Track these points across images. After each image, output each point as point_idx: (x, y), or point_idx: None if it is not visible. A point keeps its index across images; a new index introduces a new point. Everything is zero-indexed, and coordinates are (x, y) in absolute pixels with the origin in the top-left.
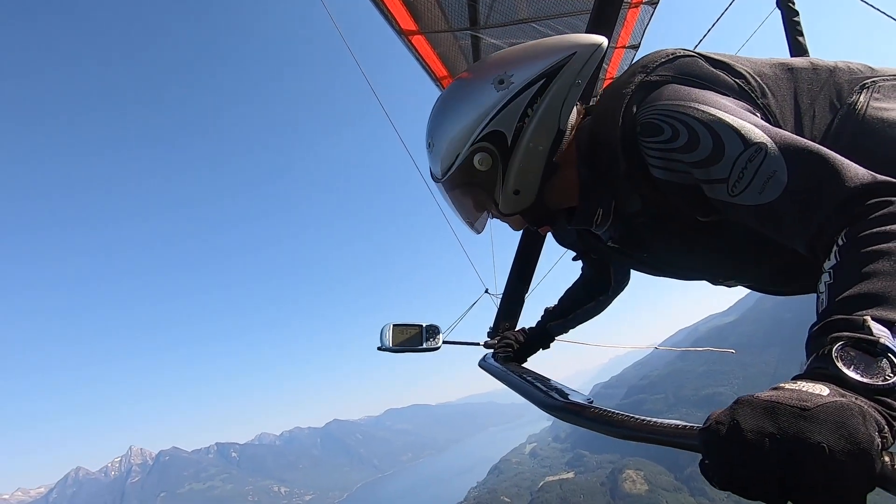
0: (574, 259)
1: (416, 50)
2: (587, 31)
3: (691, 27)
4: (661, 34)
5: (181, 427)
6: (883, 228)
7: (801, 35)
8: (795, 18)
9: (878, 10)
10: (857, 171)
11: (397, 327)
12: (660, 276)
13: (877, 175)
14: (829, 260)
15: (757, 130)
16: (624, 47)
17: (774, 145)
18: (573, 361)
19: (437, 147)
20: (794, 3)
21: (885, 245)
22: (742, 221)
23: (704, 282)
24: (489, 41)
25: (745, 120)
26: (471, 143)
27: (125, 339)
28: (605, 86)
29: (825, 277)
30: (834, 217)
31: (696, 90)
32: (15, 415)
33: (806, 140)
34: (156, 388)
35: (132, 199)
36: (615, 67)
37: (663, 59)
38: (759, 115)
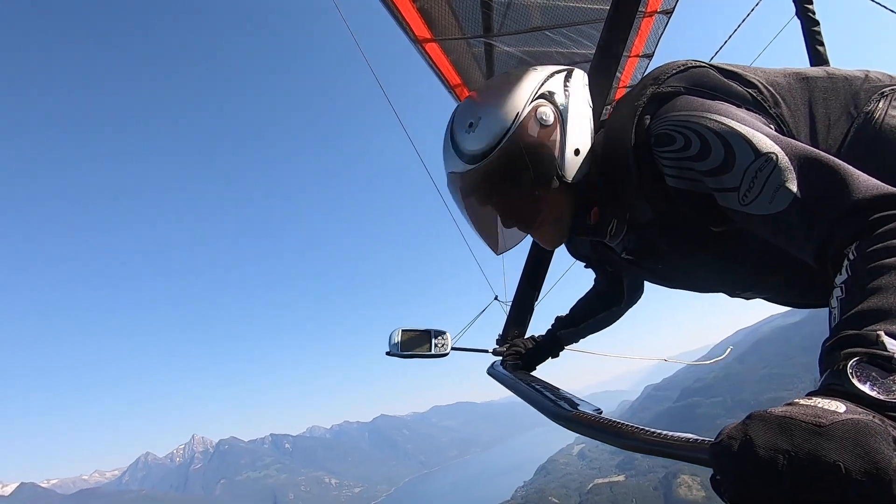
0: (586, 267)
1: (430, 57)
2: (601, 41)
3: (706, 37)
4: (675, 44)
5: (238, 418)
6: (888, 242)
7: (822, 45)
8: (815, 28)
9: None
10: (866, 182)
11: (406, 332)
12: (675, 287)
13: (886, 186)
14: (841, 274)
15: (767, 140)
16: (638, 56)
17: (784, 155)
18: (622, 360)
19: (487, 119)
20: (814, 13)
21: (891, 259)
22: (753, 230)
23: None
24: (503, 49)
25: (756, 130)
26: (533, 96)
27: (191, 336)
28: (617, 95)
29: (837, 292)
30: (841, 228)
31: (709, 101)
32: (93, 403)
33: (816, 150)
34: (216, 381)
35: (189, 205)
36: (628, 76)
37: (675, 71)
38: (772, 125)
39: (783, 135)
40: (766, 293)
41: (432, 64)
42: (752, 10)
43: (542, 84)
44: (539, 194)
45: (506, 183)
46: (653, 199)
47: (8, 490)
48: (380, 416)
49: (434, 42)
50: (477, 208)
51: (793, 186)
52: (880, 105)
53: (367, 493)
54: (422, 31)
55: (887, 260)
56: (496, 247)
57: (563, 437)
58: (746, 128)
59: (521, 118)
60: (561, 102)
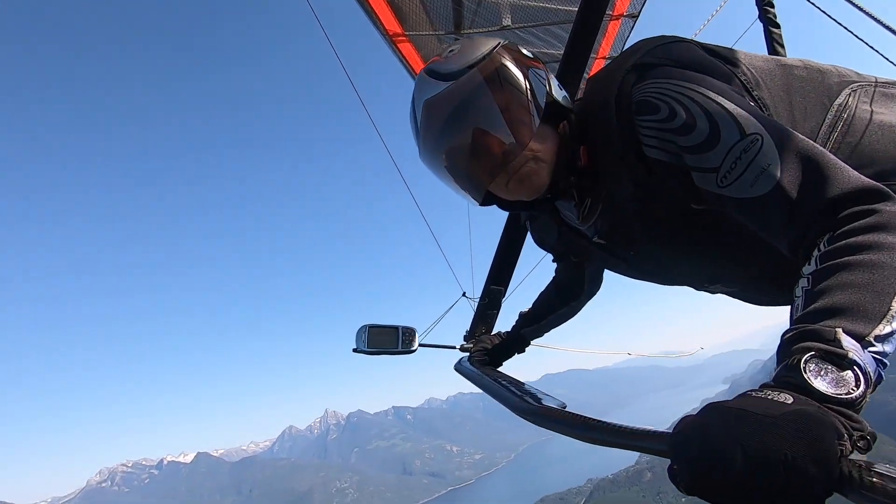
0: (553, 261)
1: (401, 52)
2: (569, 41)
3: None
4: None
5: (362, 392)
6: (864, 238)
7: (782, 47)
8: (776, 31)
9: (873, 16)
10: (849, 175)
11: (374, 329)
12: (641, 278)
13: (867, 180)
14: (809, 265)
15: (754, 120)
16: (605, 58)
17: (771, 138)
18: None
19: (470, 43)
20: (775, 16)
21: (864, 256)
22: (727, 212)
23: (687, 287)
24: None
25: (743, 108)
26: (510, 41)
27: (316, 319)
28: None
29: (803, 282)
30: (819, 219)
31: (694, 73)
32: (245, 383)
33: (803, 137)
34: (341, 358)
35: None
36: None
37: (659, 43)
38: (754, 104)
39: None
40: (734, 286)
41: (403, 59)
42: (716, 13)
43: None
44: (529, 116)
45: (496, 92)
46: (633, 169)
47: (189, 458)
48: None
49: (405, 37)
50: (459, 137)
51: (777, 171)
52: (851, 99)
53: (487, 460)
54: (393, 26)
55: (855, 256)
56: (480, 190)
57: (686, 402)
58: (734, 105)
59: (504, 44)
60: (533, 54)
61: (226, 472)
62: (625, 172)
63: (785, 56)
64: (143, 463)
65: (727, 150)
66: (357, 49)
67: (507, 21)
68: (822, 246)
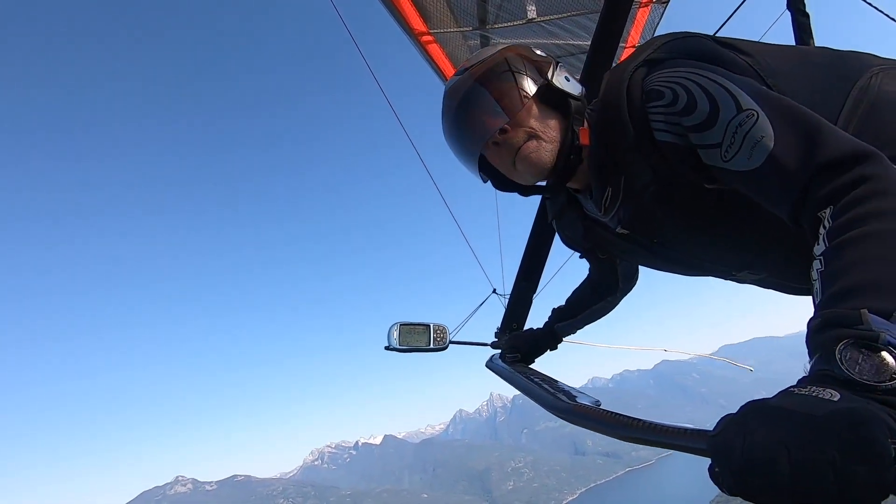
0: (581, 257)
1: (426, 50)
2: (597, 31)
3: (701, 28)
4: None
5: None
6: (867, 208)
7: (811, 37)
8: (805, 20)
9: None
10: (840, 138)
11: (405, 326)
12: (668, 269)
13: (860, 143)
14: (819, 244)
15: (750, 98)
16: (633, 47)
17: (766, 111)
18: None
19: (492, 46)
20: (804, 6)
21: (870, 227)
22: (736, 188)
23: (717, 278)
24: (498, 41)
25: (741, 87)
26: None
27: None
28: None
29: (816, 264)
30: (814, 185)
31: (701, 63)
32: (416, 372)
33: (801, 107)
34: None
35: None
36: None
37: (670, 39)
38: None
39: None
40: (761, 272)
41: (428, 56)
42: (743, 2)
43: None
44: (525, 92)
45: (495, 80)
46: (648, 156)
47: (378, 440)
48: (661, 363)
49: (429, 35)
50: (467, 120)
51: (770, 142)
52: (872, 80)
53: None
54: (417, 23)
55: (861, 228)
56: (474, 158)
57: None
58: (733, 84)
59: (521, 45)
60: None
61: (410, 452)
62: (641, 160)
63: (813, 45)
64: (343, 444)
65: (726, 125)
66: (384, 47)
67: (532, 14)
68: (826, 222)
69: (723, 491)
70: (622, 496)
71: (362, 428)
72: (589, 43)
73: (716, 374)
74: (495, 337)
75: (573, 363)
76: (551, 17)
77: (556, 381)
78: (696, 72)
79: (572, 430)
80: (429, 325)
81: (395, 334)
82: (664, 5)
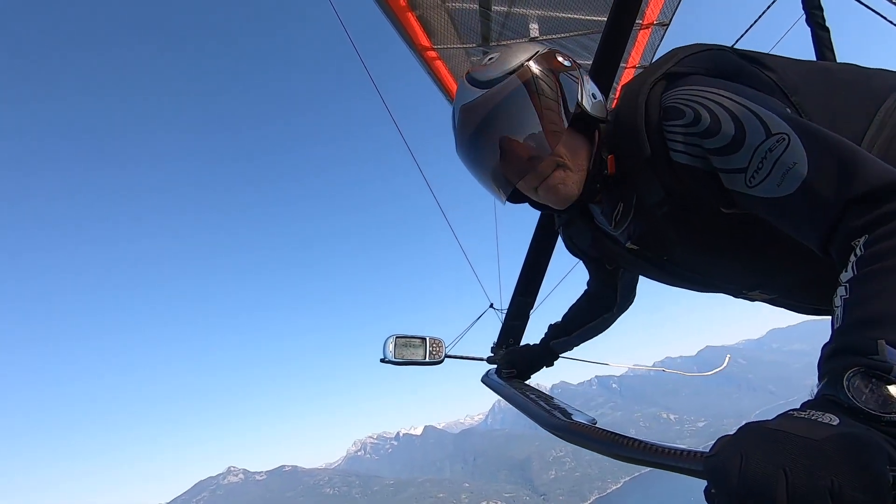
0: (587, 264)
1: (429, 65)
2: (598, 51)
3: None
4: None
5: (562, 364)
6: None
7: (832, 52)
8: (825, 34)
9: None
10: (879, 168)
11: (401, 339)
12: (677, 284)
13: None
14: (847, 271)
15: (780, 120)
16: (635, 67)
17: (797, 136)
18: None
19: (509, 52)
20: (824, 20)
21: None
22: (758, 214)
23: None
24: None
25: (769, 109)
26: (549, 47)
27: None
28: (614, 105)
29: (841, 290)
30: (850, 215)
31: (724, 81)
32: (453, 366)
33: (832, 133)
34: (533, 330)
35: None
36: None
37: (692, 52)
38: (791, 110)
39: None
40: (773, 293)
41: (431, 72)
42: (760, 16)
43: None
44: (556, 122)
45: (524, 103)
46: (663, 175)
47: (418, 431)
48: (705, 348)
49: (433, 51)
50: (490, 142)
51: (804, 169)
52: None
53: (712, 427)
54: (421, 39)
55: (888, 260)
56: (506, 189)
57: None
58: (759, 106)
59: (542, 52)
60: (573, 59)
61: (450, 442)
62: (655, 178)
63: (834, 60)
64: (385, 435)
65: (753, 150)
66: (386, 56)
67: (534, 33)
68: (858, 251)
69: None
70: (669, 486)
71: (403, 419)
72: (590, 63)
73: (764, 360)
74: (491, 352)
75: (610, 350)
76: (554, 36)
77: (552, 399)
78: (719, 92)
79: (614, 418)
80: (425, 339)
81: (391, 347)
82: (665, 27)
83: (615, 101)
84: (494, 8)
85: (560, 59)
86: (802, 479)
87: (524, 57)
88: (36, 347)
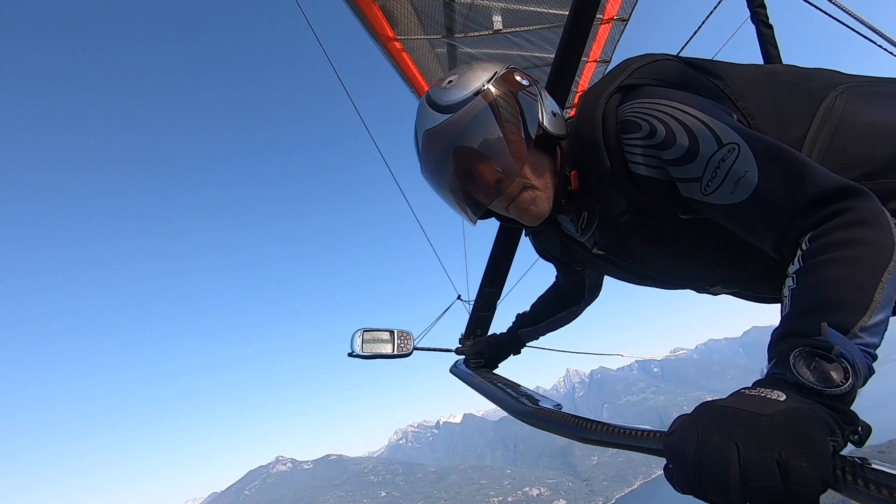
0: (557, 270)
1: (393, 56)
2: (560, 45)
3: (662, 43)
4: (631, 50)
5: (600, 348)
6: (843, 234)
7: (776, 48)
8: (768, 31)
9: (851, 26)
10: (825, 175)
11: (368, 332)
12: (644, 284)
13: (841, 179)
14: (794, 264)
15: (731, 131)
16: (595, 61)
17: (747, 146)
18: None
19: (468, 74)
20: (767, 17)
21: (844, 252)
22: (715, 219)
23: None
24: (465, 50)
25: (720, 120)
26: (507, 66)
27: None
28: (576, 100)
29: (789, 281)
30: (800, 218)
31: (675, 91)
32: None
33: (778, 143)
34: (585, 321)
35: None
36: (587, 80)
37: (643, 63)
38: (738, 115)
39: (747, 127)
40: (734, 287)
41: (395, 63)
42: (708, 16)
43: (511, 64)
44: (521, 144)
45: (487, 127)
46: (623, 186)
47: (458, 419)
48: (752, 329)
49: (397, 41)
50: (457, 167)
51: (754, 178)
52: (837, 101)
53: None
54: (384, 29)
55: (835, 252)
56: (477, 211)
57: None
58: (710, 118)
59: (501, 73)
60: (532, 77)
61: (490, 430)
62: (615, 189)
63: (778, 55)
64: (425, 424)
65: (707, 160)
66: (349, 48)
67: (498, 25)
68: (804, 245)
69: (676, 490)
70: None
71: (442, 408)
72: (553, 56)
73: None
74: (459, 343)
75: (652, 335)
76: (517, 29)
77: (519, 386)
78: (672, 104)
79: (656, 403)
80: (392, 332)
81: (359, 341)
82: (625, 22)
83: (573, 109)
84: None
85: (518, 78)
86: (753, 451)
87: (484, 78)
88: (107, 347)
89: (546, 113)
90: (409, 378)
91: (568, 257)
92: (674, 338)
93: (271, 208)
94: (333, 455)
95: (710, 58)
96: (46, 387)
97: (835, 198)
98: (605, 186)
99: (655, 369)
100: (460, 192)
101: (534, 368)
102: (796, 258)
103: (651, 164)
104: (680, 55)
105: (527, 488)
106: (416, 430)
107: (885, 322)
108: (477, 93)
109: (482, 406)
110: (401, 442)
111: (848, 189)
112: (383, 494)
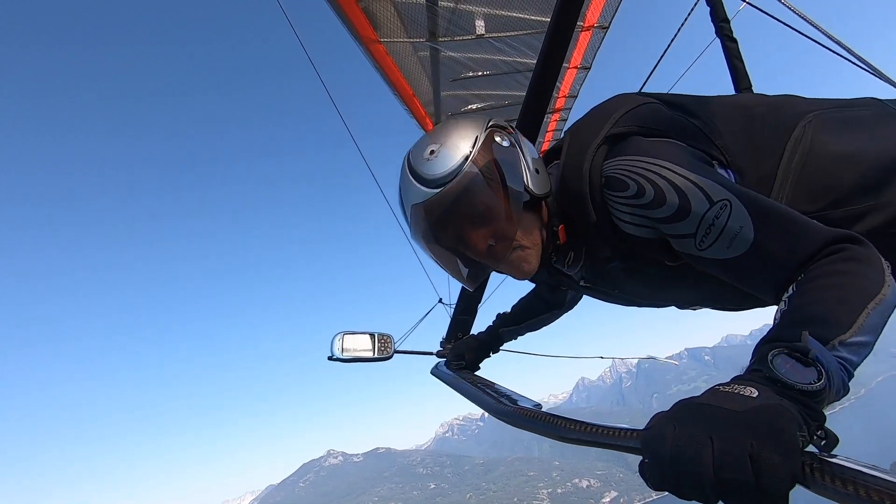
0: (546, 291)
1: (375, 59)
2: (542, 51)
3: (641, 49)
4: (612, 58)
5: (648, 337)
6: (837, 266)
7: (741, 61)
8: (733, 45)
9: (812, 39)
10: (819, 229)
11: (349, 336)
12: (631, 306)
13: (836, 231)
14: (788, 292)
15: (720, 187)
16: (576, 68)
17: (739, 202)
18: None
19: (449, 143)
20: (731, 32)
21: (834, 280)
22: (709, 271)
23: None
24: (448, 54)
25: (707, 176)
26: (487, 125)
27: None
28: (558, 105)
29: (781, 305)
30: (799, 270)
31: (660, 144)
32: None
33: (768, 199)
34: (613, 310)
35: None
36: (568, 86)
37: (627, 109)
38: (716, 153)
39: (726, 164)
40: (714, 304)
41: (377, 65)
42: (677, 33)
43: (491, 120)
44: (510, 211)
45: (476, 200)
46: (608, 238)
47: None
48: None
49: (379, 43)
50: (447, 239)
51: (750, 233)
52: (805, 132)
53: None
54: (367, 31)
55: (826, 280)
56: (475, 280)
57: None
58: (698, 175)
59: (481, 140)
60: (511, 131)
61: None
62: (600, 239)
63: (744, 68)
64: (470, 417)
65: (700, 218)
66: (332, 49)
67: (481, 30)
68: (800, 277)
69: (649, 486)
70: None
71: None
72: (534, 61)
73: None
74: (441, 346)
75: (703, 324)
76: (500, 34)
77: (498, 386)
78: (659, 163)
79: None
80: (373, 335)
81: (339, 344)
82: (605, 30)
83: (555, 113)
84: (441, 3)
85: (499, 139)
86: (726, 445)
87: (466, 148)
88: (179, 350)
89: (530, 173)
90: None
91: (555, 282)
92: (727, 324)
93: (277, 208)
94: (382, 448)
95: (684, 69)
96: (137, 382)
97: (833, 244)
98: (592, 237)
99: (706, 357)
100: (454, 262)
101: (577, 358)
102: (791, 287)
103: (639, 223)
104: (660, 94)
105: (576, 480)
106: (462, 422)
107: (868, 346)
108: (461, 165)
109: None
110: (447, 435)
111: (847, 237)
112: (432, 486)
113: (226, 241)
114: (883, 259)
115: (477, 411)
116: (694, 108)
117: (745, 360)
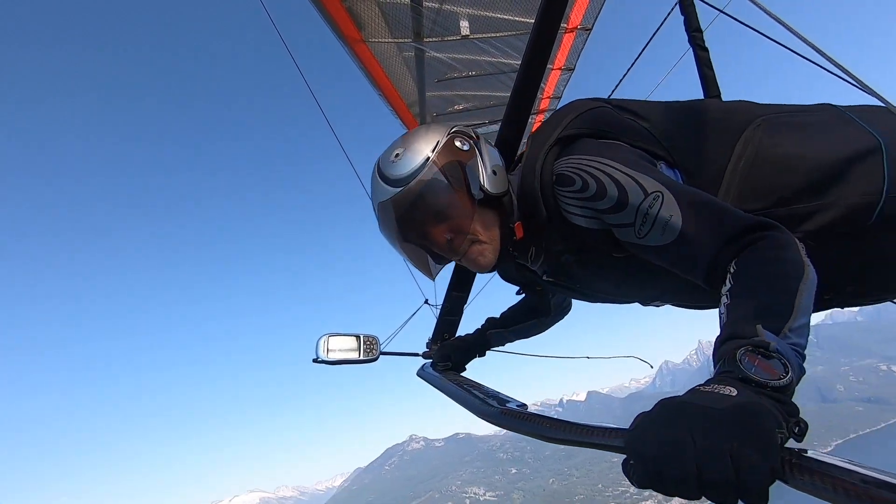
0: (518, 293)
1: (360, 59)
2: (526, 52)
3: (621, 52)
4: (596, 58)
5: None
6: (764, 255)
7: (711, 69)
8: (704, 54)
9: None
10: (740, 214)
11: (334, 338)
12: (595, 302)
13: (753, 217)
14: (725, 284)
15: (653, 181)
16: (560, 69)
17: (669, 193)
18: None
19: (413, 147)
20: (703, 41)
21: (766, 269)
22: (649, 259)
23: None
24: (433, 55)
25: (643, 172)
26: (450, 131)
27: None
28: (542, 105)
29: (724, 299)
30: (723, 252)
31: (606, 144)
32: (610, 331)
33: (697, 190)
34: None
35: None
36: (552, 87)
37: (579, 112)
38: (663, 154)
39: (674, 165)
40: (673, 300)
41: (362, 65)
42: (649, 41)
43: (455, 126)
44: (466, 208)
45: (436, 198)
46: (559, 231)
47: (582, 397)
48: (829, 315)
49: (364, 43)
50: (410, 233)
51: (678, 221)
52: (754, 135)
53: None
54: (351, 31)
55: (759, 269)
56: (434, 272)
57: None
58: (635, 171)
59: (442, 143)
60: (472, 137)
61: (618, 407)
62: (553, 233)
63: (713, 76)
64: (548, 402)
65: (636, 208)
66: (314, 50)
67: (465, 31)
68: (731, 269)
69: (633, 484)
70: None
71: (564, 386)
72: (519, 62)
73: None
74: (427, 347)
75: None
76: (484, 35)
77: (485, 387)
78: (602, 161)
79: (814, 374)
80: (359, 337)
81: (324, 346)
82: (588, 32)
83: (539, 115)
84: (426, 3)
85: (459, 143)
86: (708, 443)
87: (427, 151)
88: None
89: (486, 174)
90: (528, 358)
91: (525, 280)
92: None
93: (272, 208)
94: (462, 433)
95: (659, 77)
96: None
97: (752, 231)
98: (545, 230)
99: (811, 337)
100: (416, 255)
101: (662, 340)
102: (727, 279)
103: (585, 214)
104: (612, 99)
105: None
106: (540, 408)
107: (807, 326)
108: (421, 167)
109: (605, 383)
110: None
111: (762, 223)
112: (514, 471)
113: (226, 241)
114: (797, 241)
115: (554, 397)
116: (643, 112)
117: (856, 338)
